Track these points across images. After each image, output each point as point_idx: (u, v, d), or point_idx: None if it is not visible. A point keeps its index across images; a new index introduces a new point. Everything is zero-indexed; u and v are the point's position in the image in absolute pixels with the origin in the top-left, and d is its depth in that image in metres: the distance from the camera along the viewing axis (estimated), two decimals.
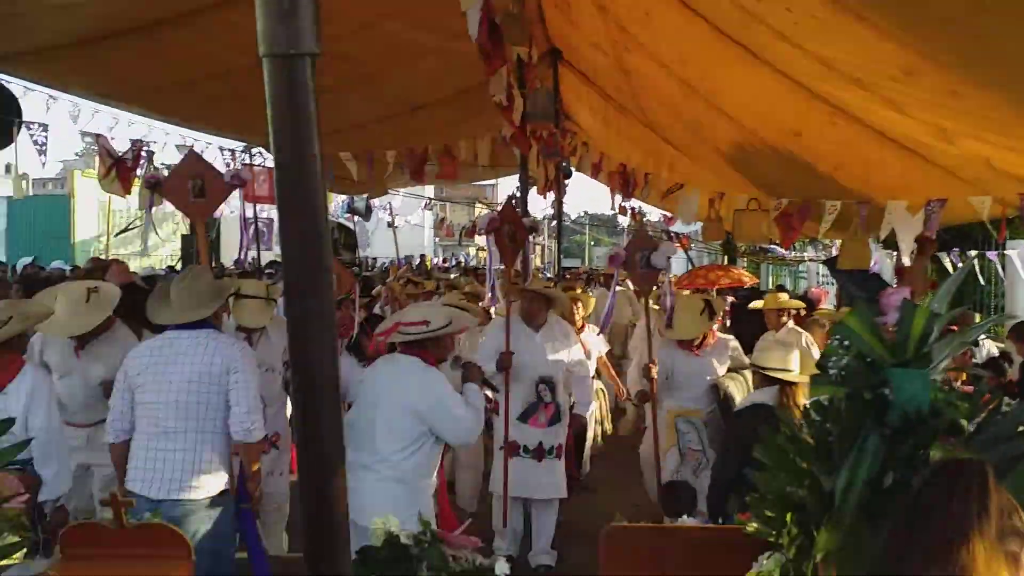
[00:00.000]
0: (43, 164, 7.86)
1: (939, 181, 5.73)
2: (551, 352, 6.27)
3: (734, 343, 6.67)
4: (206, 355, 4.28)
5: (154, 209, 6.54)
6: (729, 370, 6.42)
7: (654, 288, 6.32)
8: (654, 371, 6.04)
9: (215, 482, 4.26)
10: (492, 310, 7.54)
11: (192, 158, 6.35)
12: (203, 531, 4.13)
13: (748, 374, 6.22)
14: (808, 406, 2.73)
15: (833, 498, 2.49)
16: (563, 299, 6.87)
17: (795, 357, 4.93)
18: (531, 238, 7.01)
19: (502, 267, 6.54)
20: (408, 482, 4.43)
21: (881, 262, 12.09)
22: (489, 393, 5.18)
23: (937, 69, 3.60)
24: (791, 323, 7.96)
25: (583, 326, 7.72)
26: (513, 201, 8.68)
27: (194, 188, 5.89)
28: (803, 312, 8.55)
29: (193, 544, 3.93)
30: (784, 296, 8.45)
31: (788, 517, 2.67)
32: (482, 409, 4.76)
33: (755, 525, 2.86)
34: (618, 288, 11.95)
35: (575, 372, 6.55)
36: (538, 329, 6.31)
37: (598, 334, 7.93)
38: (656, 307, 7.04)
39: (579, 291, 8.75)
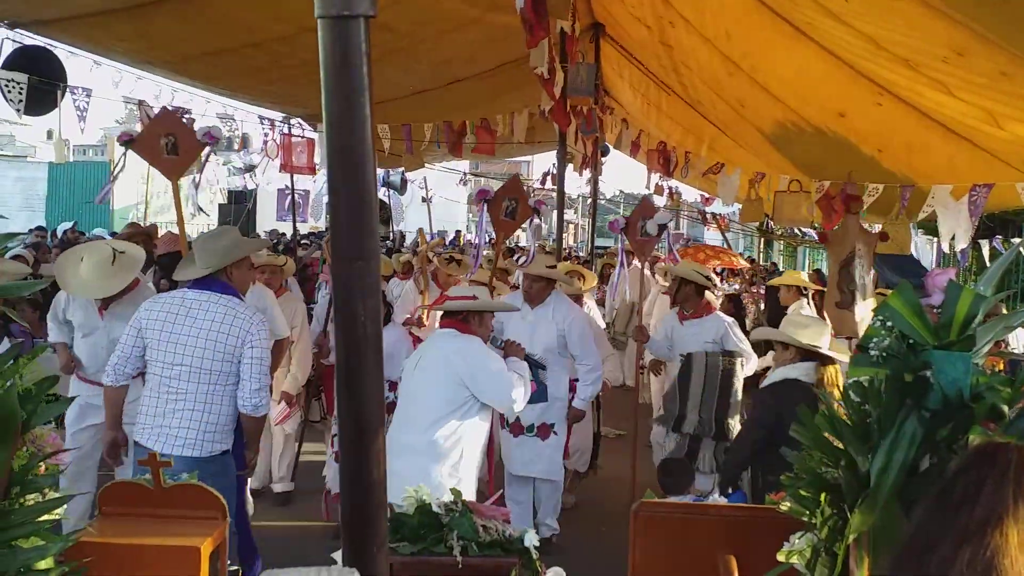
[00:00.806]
0: (82, 130, 7.94)
1: (984, 166, 5.63)
2: (541, 332, 6.16)
3: (731, 321, 6.75)
4: (223, 325, 4.26)
5: (196, 177, 6.64)
6: (725, 353, 6.41)
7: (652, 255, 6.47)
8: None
9: (219, 442, 4.31)
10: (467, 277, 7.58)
11: (165, 115, 6.38)
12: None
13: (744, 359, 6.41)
14: (847, 386, 2.70)
15: (869, 480, 2.48)
16: (563, 279, 6.84)
17: (827, 335, 4.87)
18: (534, 219, 6.96)
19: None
20: (448, 455, 4.45)
21: (921, 249, 11.94)
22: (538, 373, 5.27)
23: (988, 49, 3.54)
24: (808, 304, 7.93)
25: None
26: (549, 177, 8.65)
27: (167, 145, 5.93)
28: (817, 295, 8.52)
29: None
30: (802, 275, 8.42)
31: (822, 497, 2.66)
32: (527, 379, 4.77)
33: (788, 504, 2.85)
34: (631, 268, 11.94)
35: (579, 358, 6.35)
36: (536, 303, 6.25)
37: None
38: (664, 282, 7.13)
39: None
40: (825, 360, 4.73)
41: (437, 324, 6.50)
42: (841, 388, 4.53)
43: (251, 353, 4.29)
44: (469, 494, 4.38)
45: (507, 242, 9.71)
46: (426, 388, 4.51)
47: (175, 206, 6.24)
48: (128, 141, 6.03)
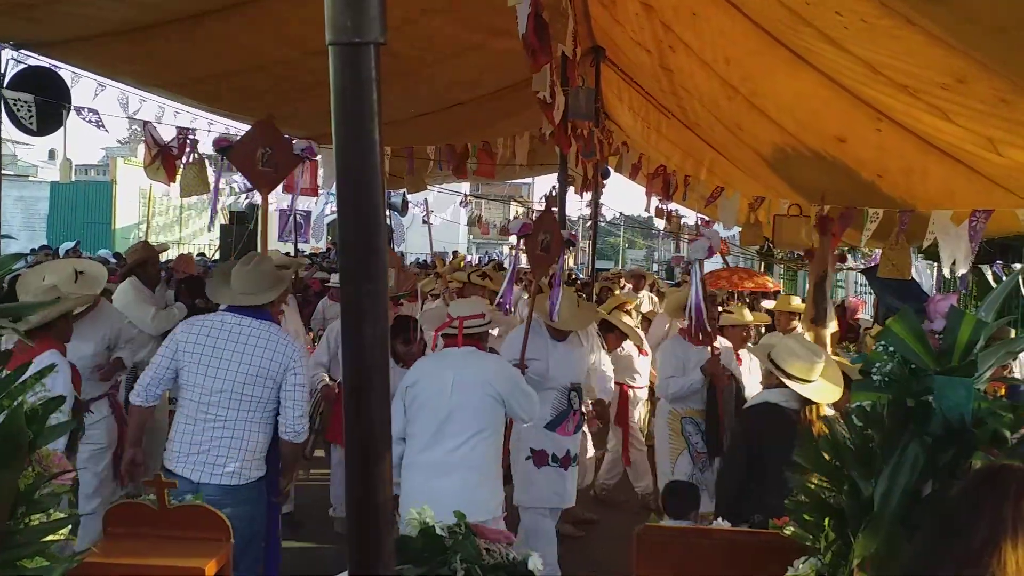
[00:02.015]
0: (106, 130, 7.91)
1: (984, 191, 5.65)
2: (578, 359, 6.19)
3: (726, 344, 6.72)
4: (266, 351, 4.27)
5: (195, 198, 6.67)
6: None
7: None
8: None
9: (255, 468, 4.30)
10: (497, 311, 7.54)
11: (263, 126, 6.16)
12: (240, 514, 4.15)
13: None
14: (850, 411, 2.71)
15: (872, 504, 2.48)
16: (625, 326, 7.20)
17: (820, 366, 4.65)
18: (565, 250, 6.81)
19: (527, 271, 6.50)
20: (489, 468, 4.65)
21: (921, 272, 11.96)
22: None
23: (988, 76, 3.57)
24: (801, 328, 7.95)
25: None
26: (549, 198, 8.64)
27: (263, 157, 5.78)
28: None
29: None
30: (796, 300, 8.42)
31: (826, 522, 2.66)
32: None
33: (792, 528, 2.86)
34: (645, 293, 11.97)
35: (597, 369, 6.60)
36: (564, 338, 6.22)
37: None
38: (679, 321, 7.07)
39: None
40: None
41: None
42: (819, 418, 4.45)
43: (293, 380, 4.31)
44: (499, 509, 4.63)
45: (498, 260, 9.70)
46: (466, 407, 4.60)
47: (262, 220, 6.07)
48: (225, 148, 5.90)
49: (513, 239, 6.37)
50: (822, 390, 4.57)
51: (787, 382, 4.56)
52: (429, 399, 4.66)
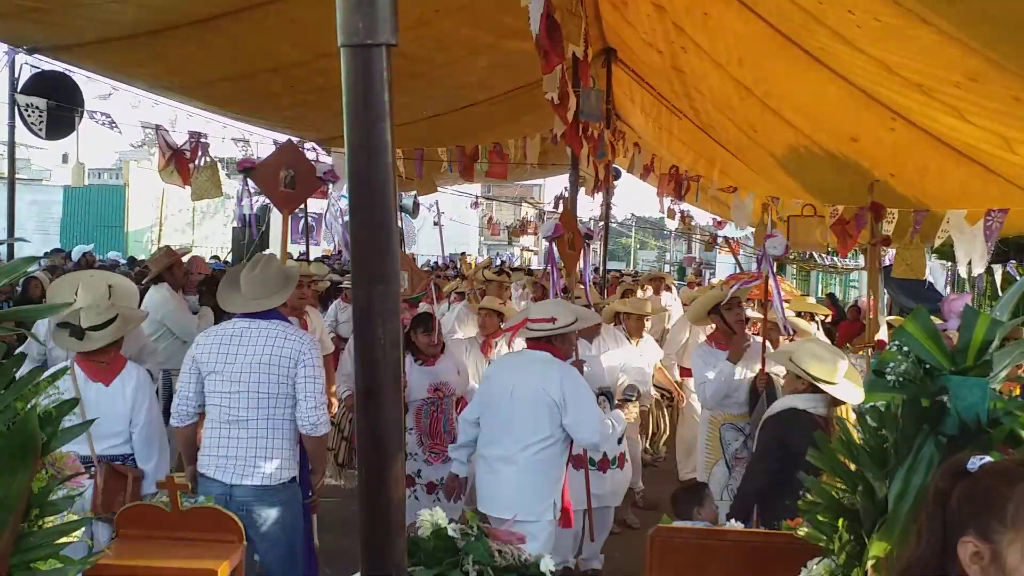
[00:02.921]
0: (120, 132, 7.97)
1: (998, 191, 5.62)
2: (607, 362, 6.25)
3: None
4: (275, 347, 4.30)
5: (207, 202, 6.76)
6: None
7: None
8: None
9: (285, 468, 4.31)
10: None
11: (288, 148, 6.35)
12: (274, 516, 4.19)
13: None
14: (864, 410, 2.70)
15: (886, 505, 2.47)
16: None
17: (844, 367, 4.63)
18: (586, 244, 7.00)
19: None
20: (545, 473, 4.60)
21: (935, 272, 11.91)
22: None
23: (1002, 76, 3.54)
24: (818, 329, 7.91)
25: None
26: (562, 200, 8.68)
27: (286, 178, 5.96)
28: (827, 319, 8.50)
29: (265, 529, 4.02)
30: (809, 300, 8.39)
31: (840, 523, 2.65)
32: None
33: (806, 529, 2.84)
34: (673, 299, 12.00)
35: (630, 367, 6.57)
36: (591, 340, 6.26)
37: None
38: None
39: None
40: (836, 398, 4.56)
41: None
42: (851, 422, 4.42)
43: (304, 372, 4.31)
44: (549, 512, 4.60)
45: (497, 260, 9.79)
46: (524, 414, 4.60)
47: (281, 237, 6.21)
48: (248, 169, 6.15)
49: (526, 239, 6.61)
50: (849, 390, 4.52)
51: (820, 386, 4.50)
52: (494, 398, 4.73)
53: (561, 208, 15.47)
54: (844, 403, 4.54)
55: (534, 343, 4.79)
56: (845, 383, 4.56)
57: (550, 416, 4.57)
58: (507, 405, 4.64)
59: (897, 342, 2.55)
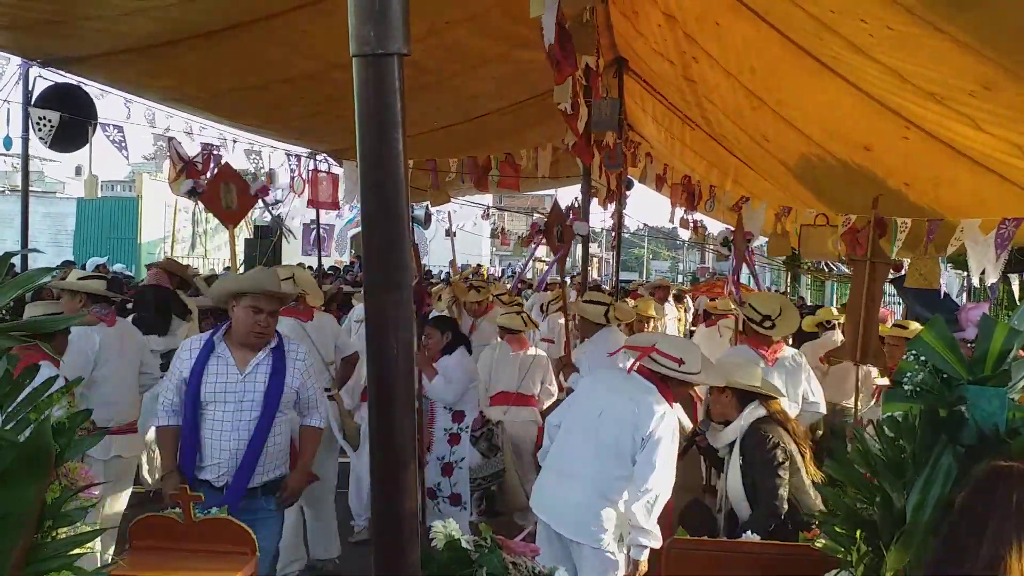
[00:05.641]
0: (126, 158, 8.12)
1: (1013, 199, 5.58)
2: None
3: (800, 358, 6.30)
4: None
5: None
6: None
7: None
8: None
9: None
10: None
11: (224, 168, 7.41)
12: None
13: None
14: (882, 421, 2.67)
15: (904, 516, 2.44)
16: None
17: (759, 373, 4.95)
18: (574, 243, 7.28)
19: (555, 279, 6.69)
20: (615, 502, 4.23)
21: (949, 281, 11.84)
22: None
23: (1016, 84, 3.52)
24: (840, 335, 7.91)
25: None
26: (573, 209, 8.71)
27: (227, 196, 6.87)
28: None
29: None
30: (832, 310, 8.44)
31: (858, 534, 2.62)
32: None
33: (824, 541, 2.82)
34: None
35: None
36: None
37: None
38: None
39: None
40: (766, 396, 4.74)
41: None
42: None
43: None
44: (607, 538, 4.25)
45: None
46: (606, 440, 4.28)
47: (230, 248, 7.22)
48: (197, 192, 7.25)
49: (538, 250, 6.81)
50: (712, 374, 4.65)
51: (691, 379, 4.51)
52: (580, 413, 4.47)
53: (573, 218, 15.49)
54: (776, 402, 4.75)
55: (648, 372, 4.43)
56: (708, 368, 4.59)
57: (631, 450, 4.23)
58: (593, 423, 4.34)
59: (914, 352, 2.53)
